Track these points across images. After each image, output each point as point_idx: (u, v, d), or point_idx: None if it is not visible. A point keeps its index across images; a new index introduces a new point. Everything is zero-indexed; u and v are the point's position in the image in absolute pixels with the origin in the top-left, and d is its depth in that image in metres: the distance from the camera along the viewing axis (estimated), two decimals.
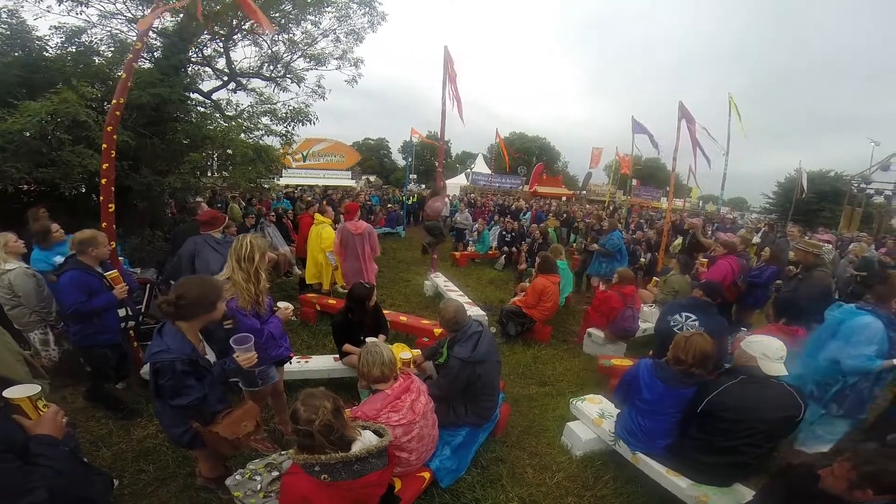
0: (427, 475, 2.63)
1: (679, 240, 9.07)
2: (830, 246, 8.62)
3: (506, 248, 10.10)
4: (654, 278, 6.66)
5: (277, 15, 8.05)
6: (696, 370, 2.65)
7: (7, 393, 1.53)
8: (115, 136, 3.41)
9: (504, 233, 10.49)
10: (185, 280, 2.26)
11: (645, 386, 2.77)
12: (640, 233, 11.09)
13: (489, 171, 26.15)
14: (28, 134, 4.51)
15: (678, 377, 2.68)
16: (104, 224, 3.42)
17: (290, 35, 8.65)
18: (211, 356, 2.30)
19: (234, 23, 7.66)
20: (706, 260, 5.79)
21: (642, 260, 8.90)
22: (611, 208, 19.91)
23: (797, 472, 2.22)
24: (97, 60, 6.15)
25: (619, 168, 19.72)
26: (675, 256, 6.80)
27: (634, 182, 21.79)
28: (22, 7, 5.93)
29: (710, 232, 11.56)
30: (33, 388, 1.57)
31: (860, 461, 1.70)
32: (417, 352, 3.61)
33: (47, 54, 5.81)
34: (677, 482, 2.66)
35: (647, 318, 5.52)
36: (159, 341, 2.06)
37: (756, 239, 9.22)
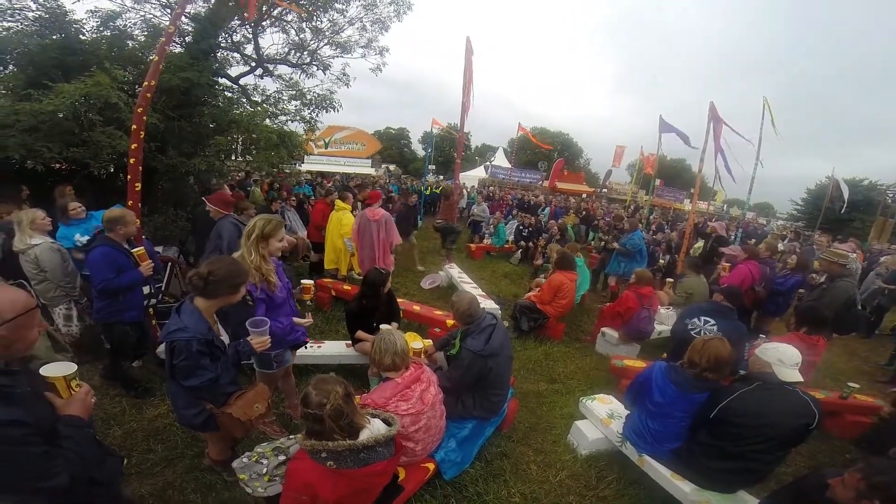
0: (431, 466, 2.64)
1: (700, 243, 8.90)
2: (854, 255, 8.35)
3: (522, 243, 10.05)
4: (668, 279, 6.57)
5: (305, 2, 8.11)
6: (710, 375, 2.61)
7: (44, 370, 1.51)
8: (144, 118, 3.48)
9: (521, 227, 10.44)
10: (219, 258, 2.32)
11: (657, 389, 2.75)
12: (661, 234, 10.89)
13: (509, 166, 25.90)
14: (61, 115, 4.65)
15: (691, 381, 2.64)
16: (130, 202, 3.50)
17: (317, 23, 8.71)
18: (224, 338, 2.34)
19: (264, 9, 7.75)
20: (728, 264, 5.67)
21: (661, 261, 8.76)
22: (632, 208, 19.56)
23: (806, 481, 2.21)
24: (130, 44, 6.30)
25: (643, 167, 19.28)
26: (685, 259, 6.69)
27: (658, 182, 21.25)
28: None
29: (733, 236, 11.28)
30: (70, 368, 1.54)
31: (871, 472, 1.73)
32: (429, 342, 3.62)
33: (83, 38, 5.96)
34: (681, 486, 2.64)
35: (663, 321, 5.45)
36: (177, 320, 2.08)
37: (781, 246, 8.98)
